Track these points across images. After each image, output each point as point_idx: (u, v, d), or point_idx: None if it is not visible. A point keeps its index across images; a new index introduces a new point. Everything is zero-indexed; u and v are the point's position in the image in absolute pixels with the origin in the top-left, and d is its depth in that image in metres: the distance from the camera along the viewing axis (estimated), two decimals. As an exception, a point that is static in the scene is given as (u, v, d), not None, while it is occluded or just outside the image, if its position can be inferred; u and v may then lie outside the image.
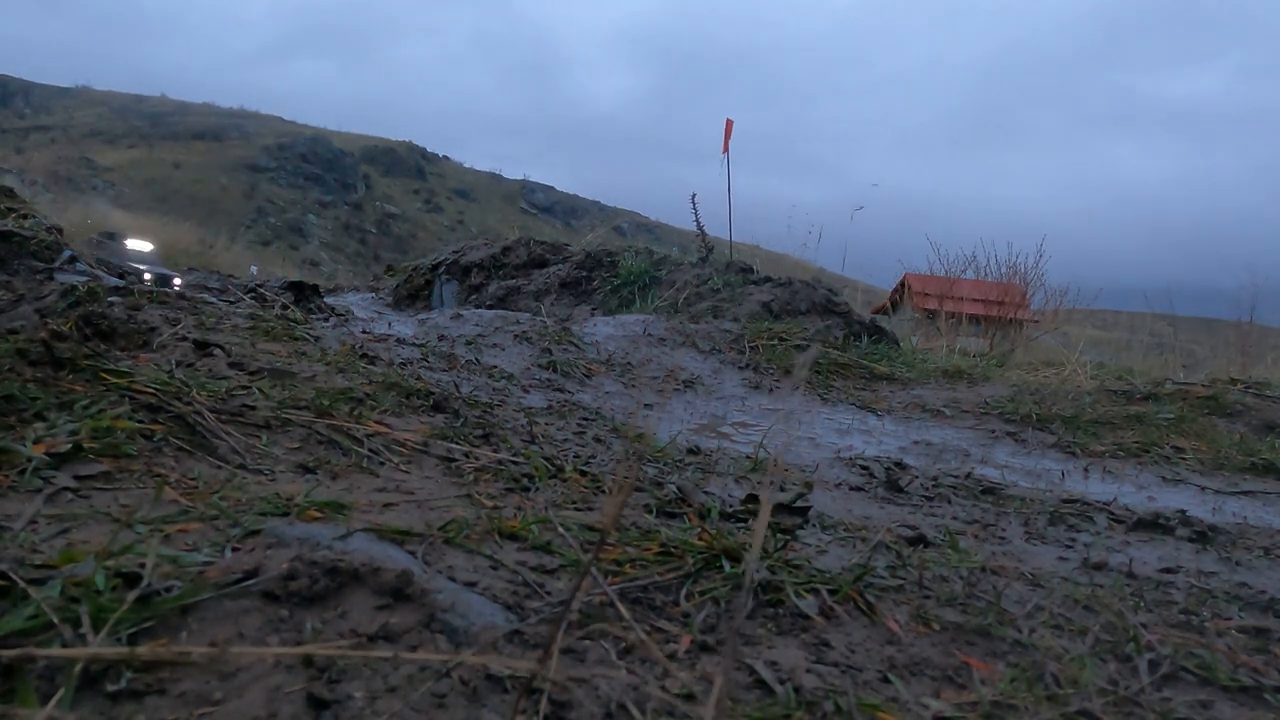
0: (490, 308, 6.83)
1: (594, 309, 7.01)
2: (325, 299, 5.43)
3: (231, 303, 3.93)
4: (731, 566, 1.38)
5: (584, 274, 7.62)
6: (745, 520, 1.80)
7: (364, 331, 4.13)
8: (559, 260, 7.97)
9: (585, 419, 3.18)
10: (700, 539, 1.47)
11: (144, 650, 0.90)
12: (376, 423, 2.16)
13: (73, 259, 3.65)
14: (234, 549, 1.20)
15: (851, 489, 2.59)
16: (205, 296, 3.88)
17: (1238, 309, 9.15)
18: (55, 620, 0.92)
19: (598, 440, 2.78)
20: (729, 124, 8.41)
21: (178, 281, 4.63)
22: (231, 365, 2.40)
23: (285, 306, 4.12)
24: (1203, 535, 2.30)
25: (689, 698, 1.01)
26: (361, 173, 57.48)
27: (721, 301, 6.55)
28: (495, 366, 3.86)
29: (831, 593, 1.37)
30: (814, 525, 1.96)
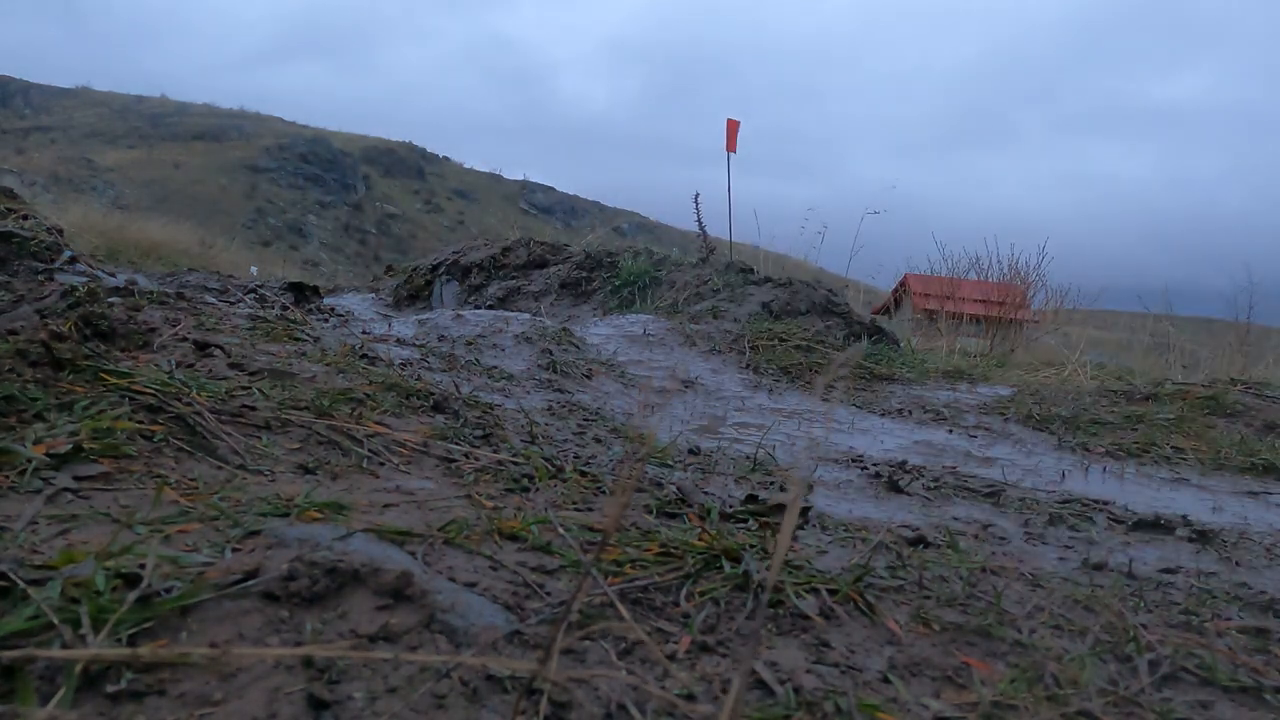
0: (490, 308, 6.83)
1: (594, 309, 7.02)
2: (325, 299, 5.44)
3: (231, 303, 3.93)
4: (731, 566, 1.38)
5: (584, 274, 7.63)
6: (745, 520, 1.80)
7: (364, 332, 4.13)
8: (559, 261, 7.97)
9: (585, 419, 3.18)
10: (700, 539, 1.47)
11: (144, 651, 0.90)
12: (376, 423, 2.16)
13: (73, 259, 3.65)
14: (234, 549, 1.20)
15: (852, 489, 2.59)
16: (205, 297, 3.89)
17: (1234, 309, 9.15)
18: (55, 621, 0.92)
19: (598, 441, 2.78)
20: (733, 124, 8.38)
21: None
22: (231, 366, 2.40)
23: (285, 307, 4.12)
24: (1203, 535, 2.30)
25: (689, 698, 1.01)
26: (361, 173, 57.47)
27: (722, 302, 6.56)
28: (495, 367, 3.86)
29: (831, 593, 1.37)
30: (814, 525, 1.96)
